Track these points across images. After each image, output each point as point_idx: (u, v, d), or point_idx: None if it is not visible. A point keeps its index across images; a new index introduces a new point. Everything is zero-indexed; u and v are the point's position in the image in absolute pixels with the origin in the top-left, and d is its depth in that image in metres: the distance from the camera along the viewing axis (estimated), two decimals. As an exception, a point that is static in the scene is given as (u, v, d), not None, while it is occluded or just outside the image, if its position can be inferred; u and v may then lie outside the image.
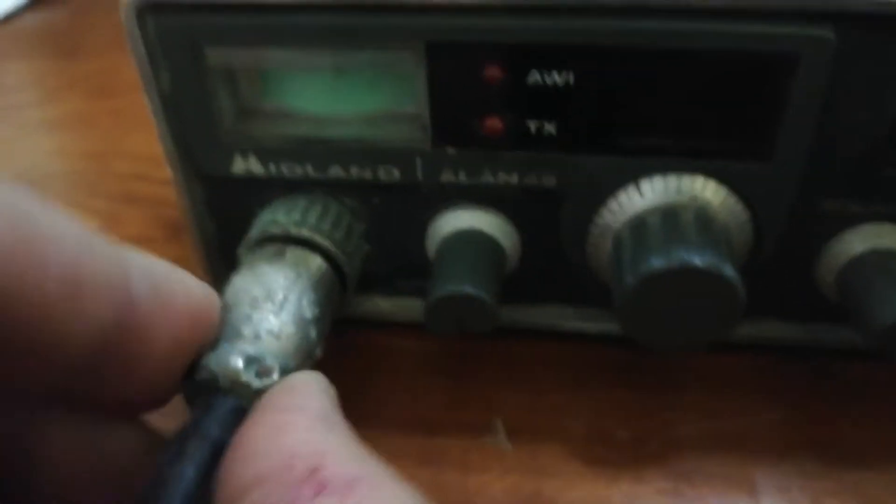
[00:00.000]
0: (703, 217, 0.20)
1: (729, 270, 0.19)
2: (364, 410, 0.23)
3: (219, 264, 0.25)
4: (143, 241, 0.30)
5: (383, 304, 0.25)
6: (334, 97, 0.21)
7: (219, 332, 0.20)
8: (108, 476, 0.17)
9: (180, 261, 0.29)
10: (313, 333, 0.20)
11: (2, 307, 0.12)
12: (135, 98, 0.41)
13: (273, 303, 0.20)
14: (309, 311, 0.20)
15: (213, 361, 0.19)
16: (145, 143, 0.36)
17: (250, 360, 0.19)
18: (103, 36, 0.49)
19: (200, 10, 0.19)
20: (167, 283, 0.16)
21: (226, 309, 0.20)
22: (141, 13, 0.19)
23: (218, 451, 0.18)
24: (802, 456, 0.21)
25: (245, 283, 0.21)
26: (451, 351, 0.25)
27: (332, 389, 0.17)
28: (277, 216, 0.22)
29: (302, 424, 0.15)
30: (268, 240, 0.22)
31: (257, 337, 0.19)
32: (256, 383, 0.18)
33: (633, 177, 0.20)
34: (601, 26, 0.18)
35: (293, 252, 0.22)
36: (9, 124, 0.40)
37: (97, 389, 0.15)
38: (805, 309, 0.23)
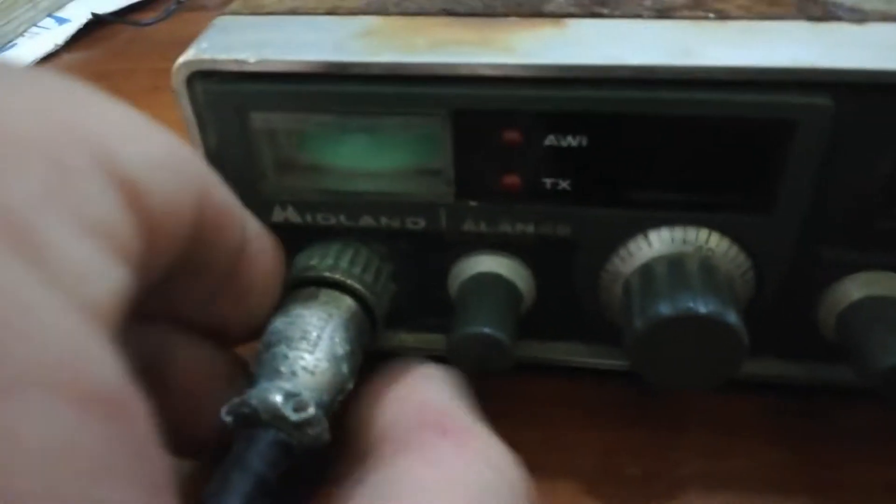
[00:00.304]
0: (707, 266, 0.22)
1: (732, 317, 0.20)
2: None
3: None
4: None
5: (408, 339, 0.27)
6: (366, 154, 0.23)
7: (258, 370, 0.22)
8: (216, 383, 0.21)
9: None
10: (345, 368, 0.22)
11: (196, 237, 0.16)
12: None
13: (308, 342, 0.22)
14: (341, 348, 0.22)
15: (254, 397, 0.21)
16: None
17: (288, 396, 0.21)
18: (140, 82, 0.52)
19: (246, 79, 0.21)
20: (263, 229, 0.21)
21: (264, 349, 0.22)
22: (190, 79, 0.21)
23: (259, 483, 0.20)
24: (806, 499, 0.22)
25: (282, 324, 0.22)
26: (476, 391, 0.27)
27: (465, 378, 0.21)
28: (312, 261, 0.24)
29: (436, 386, 0.19)
30: (303, 283, 0.24)
31: (294, 374, 0.21)
32: (294, 417, 0.20)
33: (641, 228, 0.22)
34: (613, 96, 0.20)
35: (326, 294, 0.23)
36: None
37: (215, 316, 0.20)
38: (805, 349, 0.24)
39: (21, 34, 0.60)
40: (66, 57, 0.57)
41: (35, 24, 0.62)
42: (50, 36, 0.59)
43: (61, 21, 0.62)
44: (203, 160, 0.18)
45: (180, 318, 0.20)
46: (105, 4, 0.63)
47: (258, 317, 0.22)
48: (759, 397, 0.25)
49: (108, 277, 0.12)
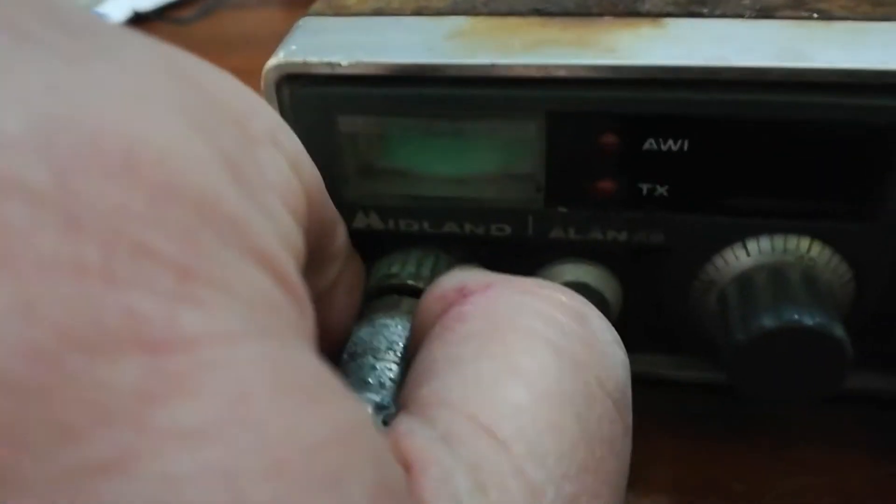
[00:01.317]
0: (809, 276, 0.21)
1: (838, 330, 0.19)
2: None
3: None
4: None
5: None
6: (453, 159, 0.22)
7: (344, 380, 0.21)
8: None
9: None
10: None
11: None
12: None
13: (394, 353, 0.21)
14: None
15: (343, 409, 0.20)
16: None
17: (378, 408, 0.20)
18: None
19: (334, 82, 0.20)
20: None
21: (350, 358, 0.22)
22: (279, 83, 0.21)
23: None
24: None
25: (367, 335, 0.22)
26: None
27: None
28: (393, 268, 0.23)
29: (450, 275, 0.19)
30: (385, 291, 0.23)
31: (382, 385, 0.21)
32: (385, 430, 0.20)
33: (739, 236, 0.21)
34: (718, 98, 0.19)
35: (408, 303, 0.23)
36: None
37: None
38: (903, 361, 0.24)
39: (61, 34, 0.60)
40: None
41: (74, 24, 0.62)
42: (90, 35, 0.59)
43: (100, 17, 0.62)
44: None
45: None
46: (142, 1, 0.63)
47: (339, 332, 0.22)
48: (860, 411, 0.24)
49: (286, 226, 0.13)
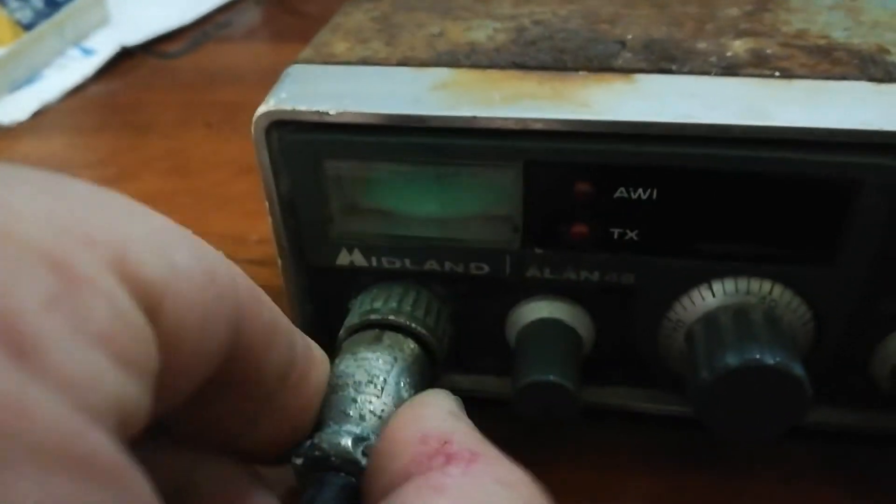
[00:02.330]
0: (770, 316, 0.22)
1: (798, 368, 0.21)
2: None
3: (315, 341, 0.27)
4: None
5: (463, 381, 0.27)
6: (434, 201, 0.23)
7: (325, 413, 0.22)
8: None
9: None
10: None
11: (235, 355, 0.15)
12: (209, 179, 0.44)
13: (375, 386, 0.22)
14: (406, 392, 0.22)
15: (324, 441, 0.21)
16: (226, 224, 0.39)
17: (357, 440, 0.21)
18: (171, 114, 0.52)
19: (322, 129, 0.21)
20: (311, 345, 0.20)
21: (331, 391, 0.22)
22: (269, 128, 0.22)
23: None
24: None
25: (348, 367, 0.23)
26: (528, 434, 0.27)
27: (458, 400, 0.20)
28: (375, 304, 0.24)
29: (434, 415, 0.18)
30: (367, 326, 0.24)
31: (362, 418, 0.21)
32: (364, 461, 0.20)
33: (705, 278, 0.22)
34: (685, 152, 0.20)
35: (390, 337, 0.24)
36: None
37: (258, 439, 0.19)
38: (861, 398, 0.25)
39: (48, 65, 0.61)
40: (94, 88, 0.58)
41: (61, 55, 0.62)
42: (77, 68, 0.60)
43: (87, 52, 0.63)
44: (246, 277, 0.16)
45: (220, 441, 0.19)
46: (129, 35, 0.64)
47: (300, 436, 0.21)
48: (817, 444, 0.25)
49: (111, 385, 0.11)
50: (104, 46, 0.63)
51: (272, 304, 0.17)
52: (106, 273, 0.12)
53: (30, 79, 0.59)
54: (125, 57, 0.61)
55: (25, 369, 0.10)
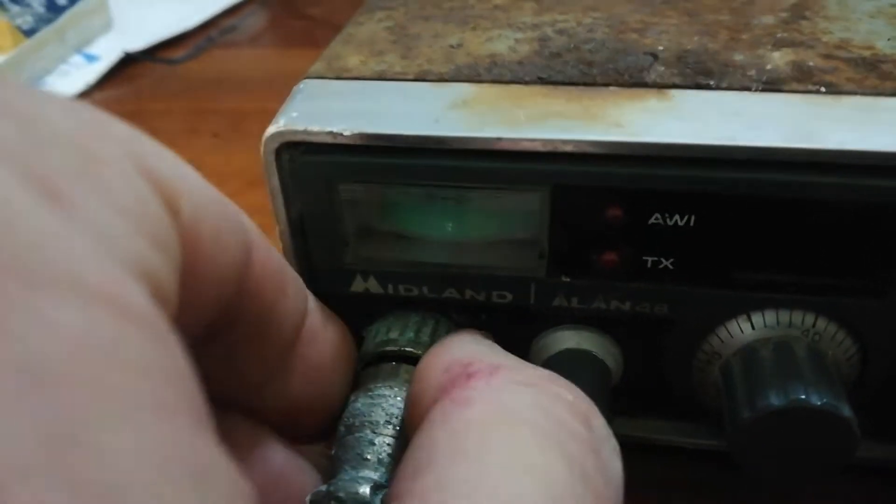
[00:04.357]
0: (814, 351, 0.21)
1: (846, 410, 0.19)
2: None
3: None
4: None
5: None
6: (454, 225, 0.22)
7: (341, 454, 0.21)
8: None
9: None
10: None
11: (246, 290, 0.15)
12: (219, 191, 0.42)
13: (393, 427, 0.21)
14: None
15: (340, 489, 0.19)
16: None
17: (377, 487, 0.19)
18: (176, 123, 0.51)
19: (335, 150, 0.20)
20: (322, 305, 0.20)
21: (347, 431, 0.21)
22: (279, 150, 0.20)
23: None
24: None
25: (364, 406, 0.21)
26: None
27: (486, 333, 0.21)
28: (392, 334, 0.23)
29: (457, 345, 0.19)
30: (383, 358, 0.23)
31: (380, 462, 0.20)
32: None
33: (744, 309, 0.21)
34: (726, 176, 0.19)
35: (407, 370, 0.22)
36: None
37: (282, 400, 0.19)
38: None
39: (50, 72, 0.59)
40: (98, 96, 0.56)
41: (63, 62, 0.61)
42: (80, 75, 0.58)
43: (90, 58, 0.62)
44: (250, 221, 0.16)
45: (244, 397, 0.19)
46: (131, 41, 0.63)
47: (329, 401, 0.21)
48: (860, 481, 0.24)
49: (139, 250, 0.11)
50: (107, 52, 0.61)
51: (277, 253, 0.17)
52: (126, 162, 0.12)
53: (32, 87, 0.57)
54: (129, 63, 0.60)
55: (61, 214, 0.10)
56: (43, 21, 0.60)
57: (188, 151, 0.51)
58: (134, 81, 0.58)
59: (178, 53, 0.62)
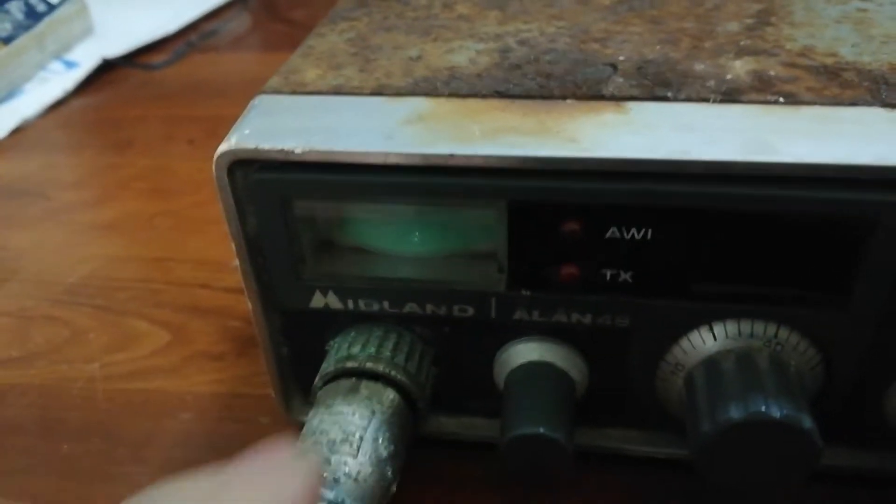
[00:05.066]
0: (777, 362, 0.20)
1: (807, 422, 0.19)
2: None
3: (290, 384, 0.25)
4: (214, 358, 0.31)
5: (449, 424, 0.26)
6: (413, 240, 0.21)
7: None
8: None
9: (251, 377, 0.30)
10: (389, 472, 0.21)
11: None
12: (189, 200, 0.42)
13: (351, 444, 0.21)
14: (384, 450, 0.21)
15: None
16: (204, 249, 0.37)
17: None
18: (153, 130, 0.51)
19: (291, 167, 0.20)
20: None
21: (304, 450, 0.21)
22: (231, 167, 0.20)
23: None
24: None
25: (322, 424, 0.21)
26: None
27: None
28: (353, 350, 0.22)
29: None
30: (344, 374, 0.22)
31: (336, 481, 0.20)
32: None
33: (706, 319, 0.21)
34: (683, 190, 0.18)
35: (367, 386, 0.22)
36: (67, 226, 0.41)
37: None
38: (872, 438, 0.23)
39: (29, 79, 0.59)
40: (75, 103, 0.56)
41: (42, 69, 0.61)
42: (59, 81, 0.58)
43: (69, 65, 0.61)
44: None
45: None
46: (111, 46, 0.62)
47: None
48: (826, 487, 0.24)
49: None
50: (87, 59, 0.61)
51: None
52: None
53: (9, 94, 0.57)
54: (108, 69, 0.60)
55: None
56: (22, 28, 0.60)
57: (163, 158, 0.51)
58: (112, 88, 0.58)
59: (159, 58, 0.62)
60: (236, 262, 0.34)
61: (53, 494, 0.26)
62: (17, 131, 0.52)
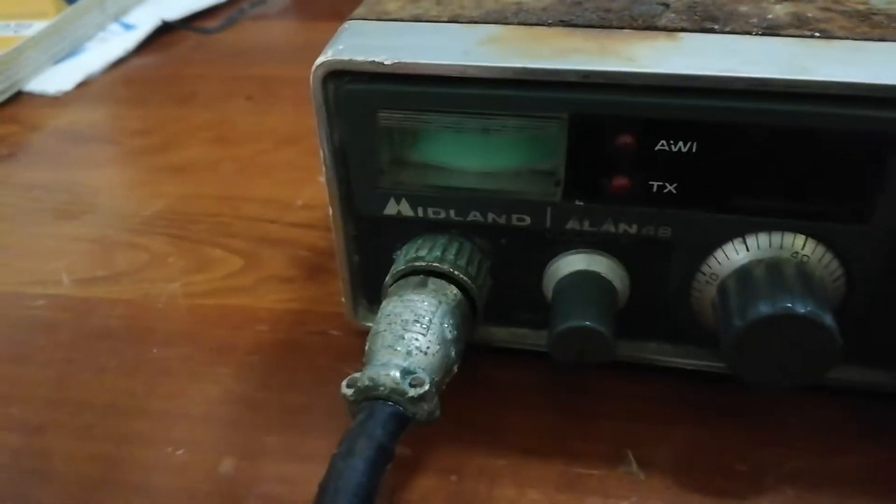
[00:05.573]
0: (802, 271, 0.23)
1: (828, 319, 0.21)
2: (505, 442, 0.26)
3: (359, 290, 0.28)
4: (285, 281, 0.34)
5: (499, 333, 0.28)
6: (480, 153, 0.24)
7: (374, 348, 0.23)
8: None
9: (321, 297, 0.33)
10: (453, 352, 0.24)
11: None
12: (251, 148, 0.45)
13: (421, 324, 0.23)
14: (449, 333, 0.24)
15: (373, 373, 0.22)
16: (270, 189, 0.40)
17: (405, 372, 0.22)
18: (212, 87, 0.54)
19: (376, 79, 0.23)
20: None
21: (380, 328, 0.24)
22: (325, 79, 0.23)
23: (381, 450, 0.21)
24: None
25: (396, 308, 0.24)
26: (565, 384, 0.28)
27: None
28: (420, 252, 0.25)
29: None
30: (412, 273, 0.25)
31: (409, 353, 0.23)
32: (412, 392, 0.22)
33: (740, 232, 0.23)
34: (725, 105, 0.21)
35: (434, 283, 0.25)
36: (138, 168, 0.44)
37: None
38: (890, 357, 0.25)
39: (89, 39, 0.62)
40: (136, 62, 0.59)
41: (102, 29, 0.64)
42: (119, 42, 0.61)
43: (127, 27, 0.64)
44: None
45: None
46: (167, 10, 0.65)
47: None
48: (852, 402, 0.26)
49: None
50: (144, 22, 0.64)
51: None
52: None
53: (73, 52, 0.60)
54: (164, 32, 0.63)
55: None
56: (83, -10, 0.63)
57: (223, 111, 0.55)
58: (170, 49, 0.61)
59: (212, 24, 0.65)
60: (300, 201, 0.37)
61: (145, 391, 0.29)
62: (82, 85, 0.55)
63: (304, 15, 0.69)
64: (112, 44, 0.61)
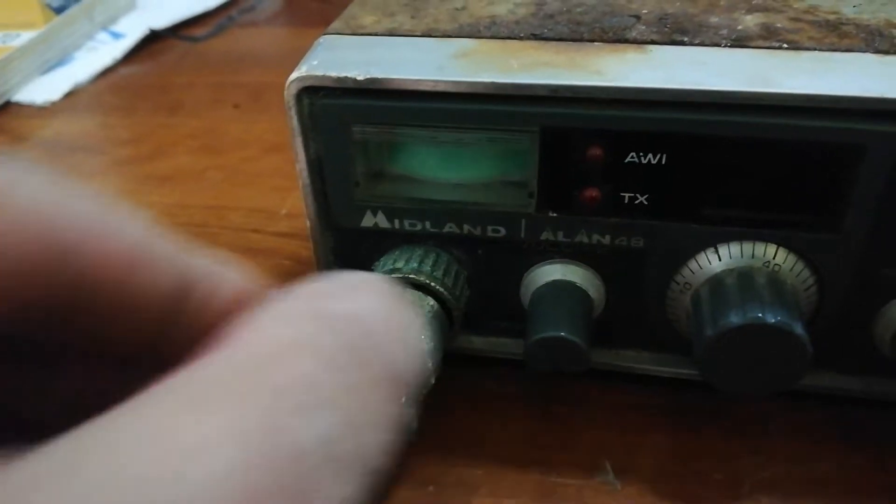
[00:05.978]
0: (774, 280, 0.23)
1: (799, 328, 0.22)
2: (482, 451, 0.26)
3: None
4: (267, 289, 0.34)
5: (477, 342, 0.28)
6: (454, 166, 0.24)
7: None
8: None
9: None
10: (429, 363, 0.24)
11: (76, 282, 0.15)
12: (238, 156, 0.45)
13: None
14: (425, 344, 0.24)
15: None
16: (256, 198, 0.40)
17: None
18: (199, 95, 0.54)
19: (349, 94, 0.23)
20: (223, 267, 0.18)
21: None
22: (300, 94, 0.23)
23: None
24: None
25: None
26: (551, 395, 0.28)
27: None
28: (398, 264, 0.25)
29: None
30: (389, 285, 0.25)
31: None
32: None
33: (712, 242, 0.24)
34: (693, 118, 0.21)
35: (410, 294, 0.25)
36: (126, 177, 0.44)
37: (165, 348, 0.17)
38: (862, 363, 0.26)
39: (78, 48, 0.62)
40: (124, 70, 0.59)
41: (91, 39, 0.64)
42: (107, 50, 0.61)
43: (116, 35, 0.65)
44: (95, 204, 0.16)
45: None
46: (156, 19, 0.66)
47: None
48: (829, 408, 0.26)
49: None
50: (132, 30, 0.64)
51: (143, 231, 0.16)
52: None
53: (61, 61, 0.60)
54: (153, 40, 0.63)
55: None
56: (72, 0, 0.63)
57: (211, 119, 0.54)
58: (158, 58, 0.61)
59: (200, 32, 0.65)
60: (285, 210, 0.38)
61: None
62: (69, 95, 0.55)
63: (293, 22, 0.70)
64: (100, 53, 0.61)
